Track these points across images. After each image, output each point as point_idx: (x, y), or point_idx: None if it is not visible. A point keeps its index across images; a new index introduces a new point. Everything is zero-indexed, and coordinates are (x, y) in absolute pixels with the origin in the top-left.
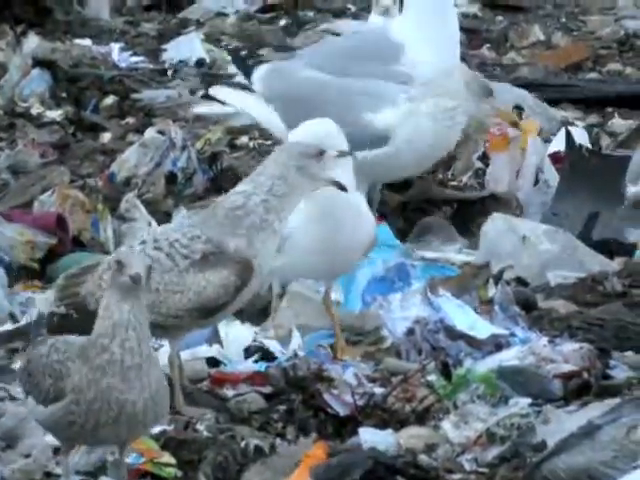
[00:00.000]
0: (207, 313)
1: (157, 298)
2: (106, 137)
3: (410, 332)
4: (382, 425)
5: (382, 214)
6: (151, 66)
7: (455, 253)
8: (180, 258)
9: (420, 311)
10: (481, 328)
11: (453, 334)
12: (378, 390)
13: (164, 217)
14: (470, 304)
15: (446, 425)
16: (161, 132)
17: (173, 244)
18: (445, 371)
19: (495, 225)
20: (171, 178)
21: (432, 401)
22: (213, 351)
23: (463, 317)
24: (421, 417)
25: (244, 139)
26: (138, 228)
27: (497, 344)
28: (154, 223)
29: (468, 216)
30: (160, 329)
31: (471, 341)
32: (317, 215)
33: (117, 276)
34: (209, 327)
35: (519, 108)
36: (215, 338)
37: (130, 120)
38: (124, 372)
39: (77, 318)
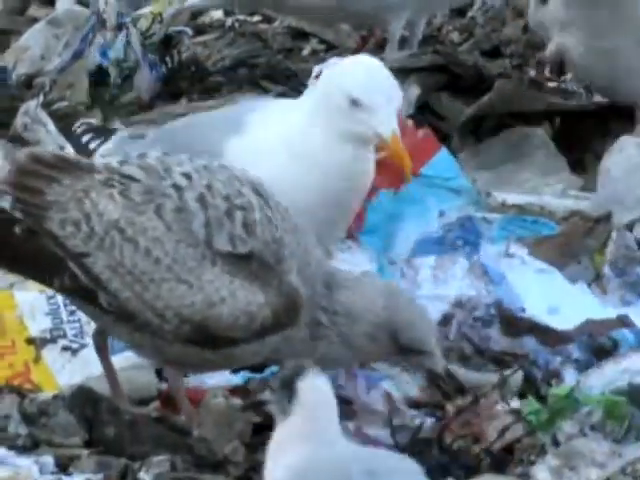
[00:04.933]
0: (200, 337)
1: (151, 270)
2: None
3: (445, 320)
4: (437, 474)
5: (440, 133)
6: None
7: (556, 197)
8: (223, 237)
9: (466, 286)
10: (573, 308)
11: (518, 324)
12: (428, 420)
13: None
14: (581, 277)
15: (541, 473)
16: (83, 2)
17: (233, 210)
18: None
19: (623, 155)
20: (99, 76)
21: (517, 435)
22: None
23: (542, 291)
24: (500, 461)
25: (216, 13)
26: None
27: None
28: (70, 149)
29: (578, 139)
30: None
31: (546, 336)
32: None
33: None
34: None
35: None
36: None
37: None
38: None
39: (18, 233)
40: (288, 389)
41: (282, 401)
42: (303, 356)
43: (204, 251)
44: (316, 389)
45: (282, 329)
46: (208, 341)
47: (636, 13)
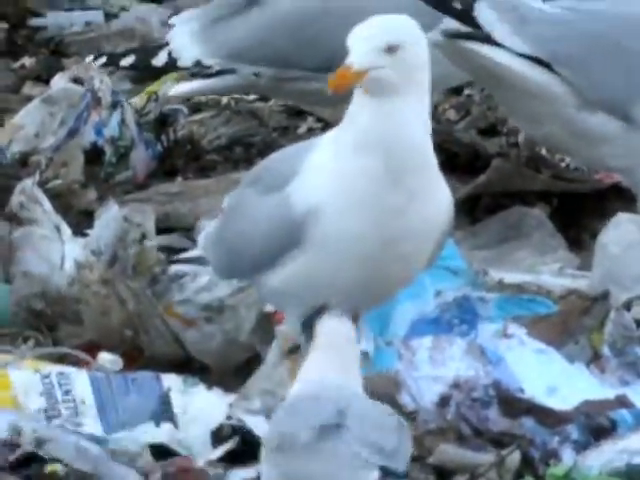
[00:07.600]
0: None
1: None
2: None
3: (443, 401)
4: None
5: None
6: None
7: (554, 276)
8: None
9: (464, 366)
10: (571, 389)
11: (516, 405)
12: None
13: (82, 218)
14: (579, 357)
15: None
16: (77, 80)
17: None
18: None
19: (619, 232)
20: (94, 154)
21: None
22: (162, 434)
23: (541, 372)
24: None
25: None
26: (40, 235)
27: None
28: (65, 228)
29: (575, 218)
30: None
31: (544, 417)
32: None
33: None
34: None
35: None
36: (165, 413)
37: (27, 61)
38: None
39: None
40: (309, 329)
41: (307, 341)
42: None
43: None
44: (331, 329)
45: None
46: None
47: (551, 104)
